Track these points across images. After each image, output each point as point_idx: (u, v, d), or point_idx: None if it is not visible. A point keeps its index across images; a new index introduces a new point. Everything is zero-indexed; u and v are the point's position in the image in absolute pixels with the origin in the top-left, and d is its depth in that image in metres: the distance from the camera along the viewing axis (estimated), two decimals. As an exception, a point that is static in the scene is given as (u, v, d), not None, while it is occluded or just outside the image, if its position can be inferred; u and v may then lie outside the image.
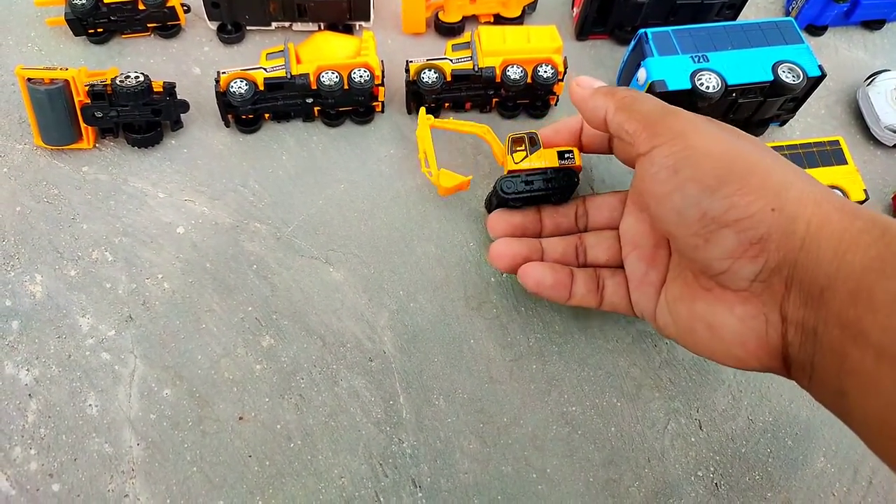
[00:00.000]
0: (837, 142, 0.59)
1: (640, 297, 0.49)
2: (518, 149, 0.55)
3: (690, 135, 0.40)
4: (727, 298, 0.41)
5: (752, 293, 0.39)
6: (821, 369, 0.35)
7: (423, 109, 0.57)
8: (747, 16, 0.73)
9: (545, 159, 0.54)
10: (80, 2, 0.65)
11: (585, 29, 0.73)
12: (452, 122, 0.57)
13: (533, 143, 0.55)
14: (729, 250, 0.38)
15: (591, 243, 0.54)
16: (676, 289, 0.45)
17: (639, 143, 0.42)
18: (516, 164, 0.54)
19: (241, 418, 0.51)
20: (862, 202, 0.57)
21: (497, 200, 0.56)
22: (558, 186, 0.54)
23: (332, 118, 0.65)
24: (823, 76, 0.61)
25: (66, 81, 0.58)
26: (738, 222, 0.37)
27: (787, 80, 0.60)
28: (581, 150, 0.55)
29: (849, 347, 0.33)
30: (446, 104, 0.66)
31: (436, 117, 0.65)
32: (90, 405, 0.51)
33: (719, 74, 0.60)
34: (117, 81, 0.59)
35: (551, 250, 0.54)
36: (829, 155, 0.58)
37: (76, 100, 0.59)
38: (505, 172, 0.55)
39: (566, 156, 0.54)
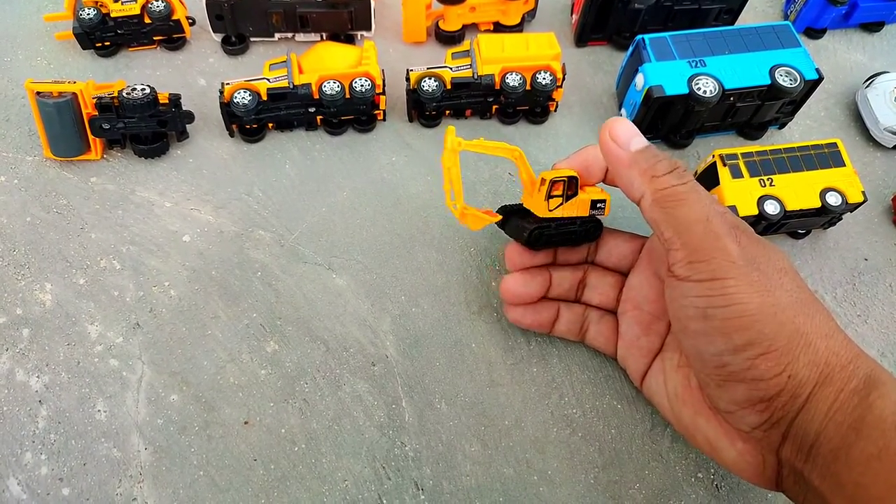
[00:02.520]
0: (835, 144, 0.59)
1: (628, 356, 0.51)
2: (555, 194, 0.49)
3: (730, 280, 0.38)
4: (730, 431, 0.42)
5: (752, 437, 0.40)
6: None
7: (451, 129, 0.48)
8: (745, 20, 0.74)
9: (578, 209, 0.50)
10: (88, 16, 0.67)
11: (584, 35, 0.74)
12: (483, 144, 0.49)
13: (571, 189, 0.49)
14: (738, 401, 0.39)
15: (590, 283, 0.53)
16: (679, 386, 0.46)
17: (673, 258, 0.40)
18: (550, 211, 0.50)
19: (246, 423, 0.51)
20: (860, 204, 0.57)
21: (523, 242, 0.51)
22: (583, 232, 0.52)
23: (335, 127, 0.66)
24: (821, 79, 0.62)
25: (75, 94, 0.60)
26: (754, 382, 0.37)
27: (785, 84, 0.61)
28: (606, 182, 0.51)
29: (831, 497, 0.36)
30: (447, 112, 0.67)
31: (436, 125, 0.66)
32: (99, 411, 0.52)
33: (716, 79, 0.61)
34: (124, 94, 0.60)
35: (557, 284, 0.53)
36: (827, 157, 0.59)
37: (84, 112, 0.60)
38: (537, 213, 0.50)
39: (598, 205, 0.51)
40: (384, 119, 0.67)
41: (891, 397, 0.36)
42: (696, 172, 0.62)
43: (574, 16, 0.74)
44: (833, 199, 0.57)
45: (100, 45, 0.70)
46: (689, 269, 0.39)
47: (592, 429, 0.53)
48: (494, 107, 0.67)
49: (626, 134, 0.44)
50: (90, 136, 0.61)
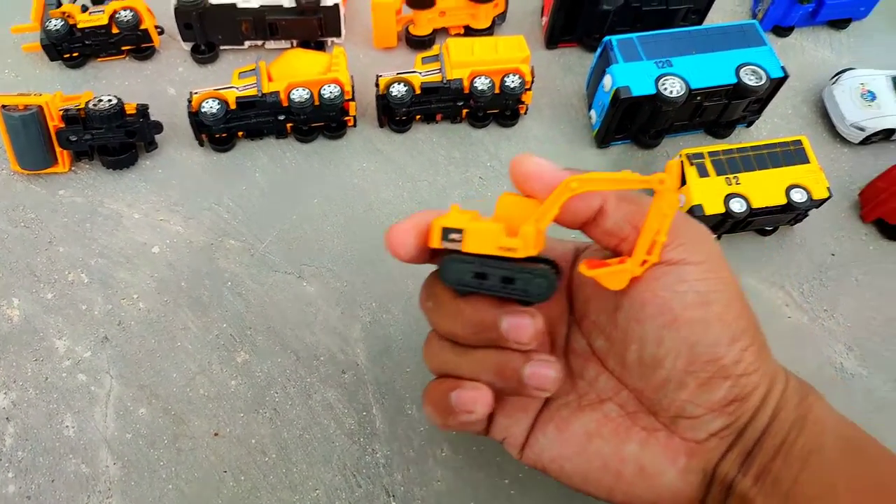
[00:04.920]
0: (800, 141, 0.60)
1: (511, 424, 0.41)
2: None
3: (720, 262, 0.36)
4: (672, 446, 0.37)
5: (703, 446, 0.37)
6: None
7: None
8: (714, 19, 0.74)
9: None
10: (55, 27, 0.67)
11: (554, 37, 0.74)
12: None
13: None
14: (714, 401, 0.35)
15: None
16: (593, 423, 0.39)
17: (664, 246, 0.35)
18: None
19: (216, 434, 0.51)
20: (825, 199, 0.58)
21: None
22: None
23: (305, 134, 0.66)
24: (786, 77, 0.62)
25: (41, 107, 0.59)
26: (738, 378, 0.35)
27: (750, 83, 0.61)
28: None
29: (758, 499, 0.35)
30: (417, 116, 0.67)
31: (406, 130, 0.66)
32: (67, 426, 0.51)
33: (683, 79, 0.61)
34: (90, 105, 0.60)
35: None
36: (793, 154, 0.59)
37: (51, 125, 0.60)
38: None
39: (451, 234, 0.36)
40: (355, 125, 0.67)
41: (824, 402, 0.37)
42: (664, 173, 0.62)
43: (544, 18, 0.75)
44: (798, 196, 0.57)
45: (68, 56, 0.70)
46: (684, 252, 0.35)
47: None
48: (464, 111, 0.67)
49: (537, 161, 0.36)
50: (58, 149, 0.61)
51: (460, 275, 0.35)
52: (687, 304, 0.34)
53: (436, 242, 0.36)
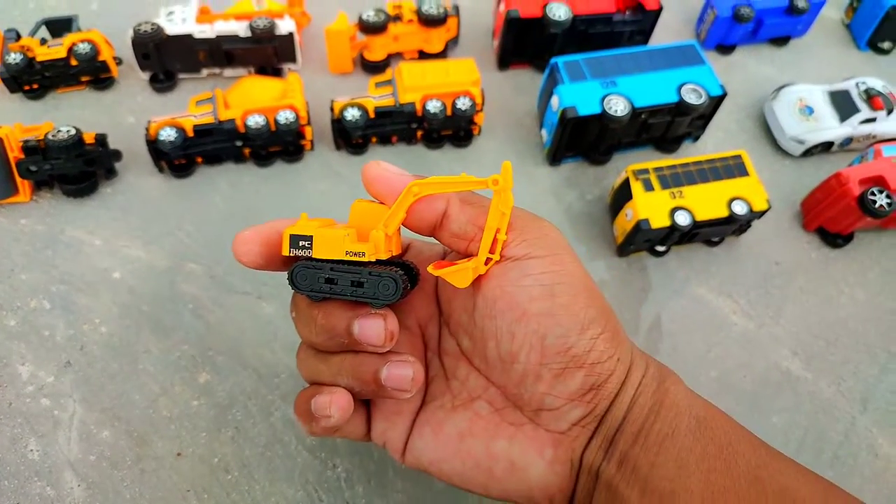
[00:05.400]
0: (740, 156, 0.62)
1: (388, 428, 0.41)
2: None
3: (565, 255, 0.37)
4: (539, 438, 0.38)
5: (567, 436, 0.37)
6: None
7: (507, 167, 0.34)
8: (660, 39, 0.77)
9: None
10: (14, 61, 0.68)
11: (505, 59, 0.76)
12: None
13: None
14: (571, 392, 0.36)
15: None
16: (464, 423, 0.39)
17: (506, 243, 0.36)
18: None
19: (179, 454, 0.52)
20: (765, 211, 0.60)
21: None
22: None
23: (263, 159, 0.67)
24: (725, 95, 0.65)
25: (1, 139, 0.60)
26: (592, 366, 0.35)
27: (691, 101, 0.64)
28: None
29: (621, 485, 0.35)
30: (373, 139, 0.69)
31: (363, 152, 0.68)
32: (31, 450, 0.52)
33: (627, 98, 0.63)
34: (49, 136, 0.61)
35: None
36: (733, 168, 0.61)
37: (11, 155, 0.61)
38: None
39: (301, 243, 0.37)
40: (312, 148, 0.69)
41: (680, 386, 0.38)
42: (613, 188, 0.64)
43: (496, 40, 0.77)
44: (739, 208, 0.60)
45: (28, 87, 0.71)
46: (527, 247, 0.36)
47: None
48: (419, 133, 0.69)
49: (385, 166, 0.37)
50: (18, 179, 0.62)
51: (311, 281, 0.36)
52: (533, 296, 0.35)
53: (286, 250, 0.37)
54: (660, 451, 0.35)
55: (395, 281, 0.35)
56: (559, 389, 0.36)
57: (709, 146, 0.72)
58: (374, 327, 0.36)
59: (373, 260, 0.35)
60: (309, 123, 0.66)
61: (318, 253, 0.36)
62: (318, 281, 0.36)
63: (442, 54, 0.77)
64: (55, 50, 0.68)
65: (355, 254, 0.35)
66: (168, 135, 0.62)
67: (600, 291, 0.38)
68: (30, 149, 0.61)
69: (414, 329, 0.42)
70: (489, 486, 0.39)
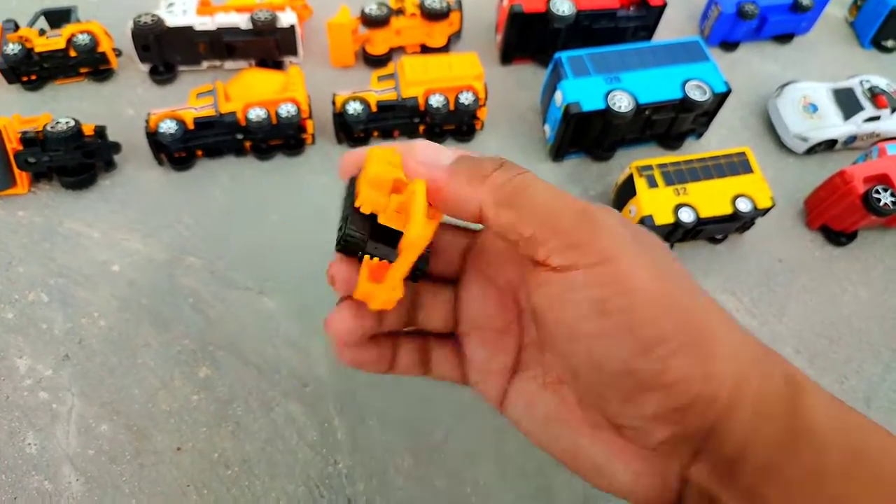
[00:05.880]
0: (744, 153, 0.62)
1: (480, 381, 0.38)
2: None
3: (620, 259, 0.30)
4: (625, 450, 0.34)
5: (657, 453, 0.32)
6: None
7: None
8: (664, 35, 0.76)
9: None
10: (13, 51, 0.67)
11: (508, 54, 0.76)
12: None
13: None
14: (648, 415, 0.31)
15: (422, 303, 0.39)
16: (551, 406, 0.36)
17: (542, 252, 0.31)
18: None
19: (178, 449, 0.52)
20: (769, 208, 0.60)
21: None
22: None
23: (263, 152, 0.66)
24: (729, 91, 0.64)
25: (-1, 129, 0.60)
26: (667, 388, 0.30)
27: (695, 97, 0.63)
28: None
29: None
30: (375, 132, 0.69)
31: (364, 146, 0.67)
32: (29, 444, 0.51)
33: (631, 94, 0.63)
34: (48, 128, 0.60)
35: (388, 317, 0.43)
36: (737, 165, 0.61)
37: (9, 147, 0.60)
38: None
39: None
40: (313, 142, 0.68)
41: (819, 404, 0.31)
42: (616, 184, 0.64)
43: (499, 35, 0.76)
44: (743, 205, 0.60)
45: (26, 79, 0.70)
46: (572, 256, 0.30)
47: (522, 438, 0.54)
48: (421, 127, 0.69)
49: (431, 149, 0.34)
50: (16, 170, 0.61)
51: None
52: (581, 315, 0.30)
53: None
54: (801, 495, 0.29)
55: (340, 231, 0.32)
56: (632, 413, 0.31)
57: (712, 143, 0.72)
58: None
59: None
60: (310, 117, 0.65)
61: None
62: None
63: (444, 49, 0.76)
64: (54, 41, 0.68)
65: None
66: (168, 127, 0.62)
67: (694, 294, 0.32)
68: (28, 140, 0.60)
69: (505, 289, 0.38)
70: (582, 475, 0.35)
